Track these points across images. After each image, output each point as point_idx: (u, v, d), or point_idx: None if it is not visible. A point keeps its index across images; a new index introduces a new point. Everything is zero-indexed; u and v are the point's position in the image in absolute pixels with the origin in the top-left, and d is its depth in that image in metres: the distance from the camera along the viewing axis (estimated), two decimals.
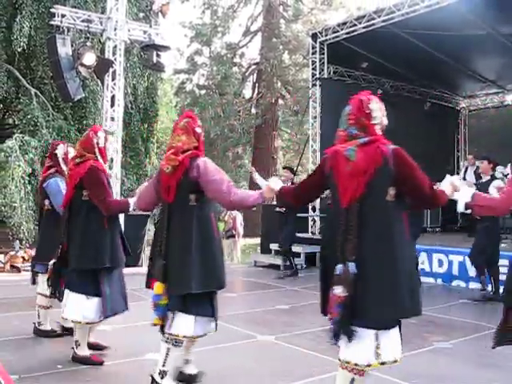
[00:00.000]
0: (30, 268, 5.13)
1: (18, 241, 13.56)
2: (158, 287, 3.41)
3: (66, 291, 4.18)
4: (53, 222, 4.75)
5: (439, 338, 5.11)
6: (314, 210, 12.52)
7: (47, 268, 4.50)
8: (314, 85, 13.28)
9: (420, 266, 8.96)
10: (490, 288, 7.35)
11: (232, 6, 25.89)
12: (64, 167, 4.98)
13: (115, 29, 11.67)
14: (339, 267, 2.73)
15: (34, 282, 5.01)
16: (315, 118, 13.15)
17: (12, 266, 12.19)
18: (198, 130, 3.65)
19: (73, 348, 4.22)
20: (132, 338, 4.89)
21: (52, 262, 4.33)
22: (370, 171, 2.77)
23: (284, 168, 9.91)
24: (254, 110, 26.30)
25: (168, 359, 3.48)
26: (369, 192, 2.78)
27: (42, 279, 4.76)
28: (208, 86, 25.90)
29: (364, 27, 11.65)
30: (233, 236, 12.86)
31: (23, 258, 12.50)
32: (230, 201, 3.48)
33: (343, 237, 2.77)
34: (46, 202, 4.92)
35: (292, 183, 8.52)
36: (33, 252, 12.17)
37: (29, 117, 15.50)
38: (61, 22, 11.09)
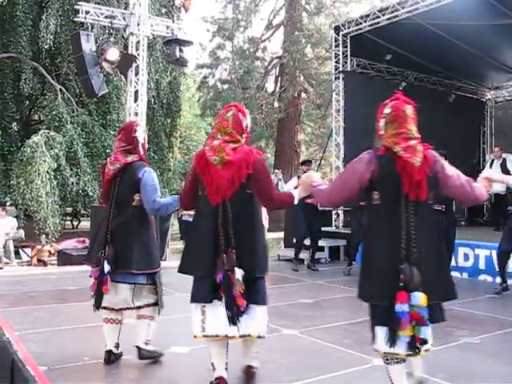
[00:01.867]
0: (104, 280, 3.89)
1: (44, 235, 13.77)
2: (424, 298, 2.82)
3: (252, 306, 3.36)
4: (144, 221, 4.04)
5: (466, 333, 5.06)
6: None
7: (151, 277, 4.00)
8: (337, 78, 13.20)
9: None
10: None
11: (254, 0, 25.84)
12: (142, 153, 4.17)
13: (138, 24, 11.75)
14: None
15: (99, 306, 3.96)
16: (338, 111, 13.08)
17: (39, 260, 12.39)
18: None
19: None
20: (157, 330, 4.92)
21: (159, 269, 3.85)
22: None
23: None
24: (276, 104, 26.25)
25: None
26: None
27: (146, 289, 4.07)
28: (230, 80, 25.90)
29: (387, 19, 11.54)
30: None
31: (49, 251, 12.70)
32: (475, 197, 3.11)
33: None
34: (137, 196, 3.98)
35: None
36: (59, 246, 12.43)
37: (54, 113, 15.70)
38: (85, 18, 11.21)
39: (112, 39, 11.93)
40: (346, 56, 13.07)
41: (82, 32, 11.07)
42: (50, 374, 3.70)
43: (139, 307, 4.03)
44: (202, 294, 3.35)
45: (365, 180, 3.03)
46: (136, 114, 11.93)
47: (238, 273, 3.23)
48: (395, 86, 13.78)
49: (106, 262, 3.83)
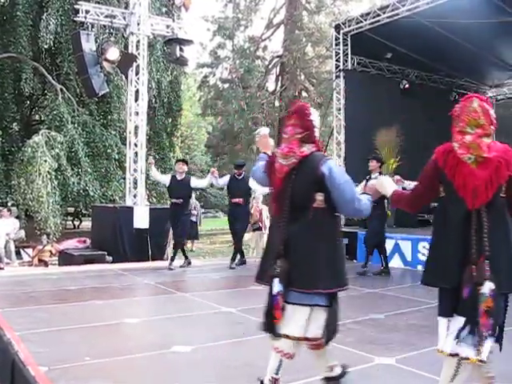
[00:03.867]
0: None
1: (45, 235, 13.76)
2: None
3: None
4: (328, 225, 3.18)
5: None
6: None
7: (333, 298, 3.18)
8: (337, 76, 13.19)
9: None
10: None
11: None
12: None
13: (138, 24, 11.75)
14: None
15: (272, 331, 3.16)
16: (339, 109, 13.06)
17: (40, 260, 12.38)
18: None
19: None
20: (158, 330, 4.91)
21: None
22: None
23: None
24: (277, 103, 26.26)
25: None
26: None
27: (317, 315, 3.10)
28: (231, 79, 25.92)
29: (388, 17, 11.52)
30: (259, 229, 12.85)
31: (50, 252, 12.69)
32: None
33: None
34: (320, 195, 3.09)
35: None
36: (61, 247, 12.41)
37: (54, 112, 15.71)
38: (85, 18, 11.21)
39: (112, 39, 11.94)
40: (347, 54, 13.06)
41: (82, 31, 11.08)
42: (51, 374, 3.69)
43: (307, 339, 3.17)
44: (446, 308, 2.93)
45: None
46: (137, 114, 11.92)
47: (486, 287, 2.72)
48: (396, 84, 13.78)
49: (277, 280, 3.01)
